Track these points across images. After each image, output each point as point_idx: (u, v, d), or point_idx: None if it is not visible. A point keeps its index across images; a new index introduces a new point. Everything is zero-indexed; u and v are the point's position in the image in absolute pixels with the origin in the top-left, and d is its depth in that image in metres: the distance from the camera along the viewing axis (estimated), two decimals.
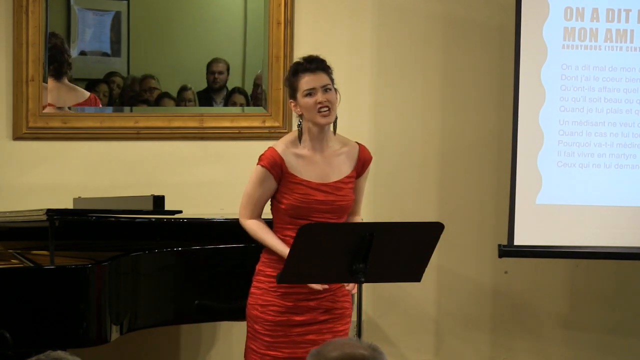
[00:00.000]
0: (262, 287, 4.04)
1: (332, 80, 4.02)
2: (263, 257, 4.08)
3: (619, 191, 5.35)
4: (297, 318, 4.02)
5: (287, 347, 4.01)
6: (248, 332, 4.11)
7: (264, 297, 4.03)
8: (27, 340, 4.13)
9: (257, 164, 4.02)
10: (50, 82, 5.47)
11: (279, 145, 4.03)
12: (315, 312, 4.03)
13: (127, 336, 4.54)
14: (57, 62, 5.48)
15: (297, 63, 4.04)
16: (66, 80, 5.52)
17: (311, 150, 4.03)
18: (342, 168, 4.06)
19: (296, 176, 3.98)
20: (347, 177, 4.06)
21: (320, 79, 3.98)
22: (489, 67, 5.80)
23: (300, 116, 4.03)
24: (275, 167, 3.97)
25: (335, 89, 4.02)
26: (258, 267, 4.10)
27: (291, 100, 4.03)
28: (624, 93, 5.34)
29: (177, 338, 5.67)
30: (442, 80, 5.81)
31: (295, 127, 4.12)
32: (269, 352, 4.02)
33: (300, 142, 4.02)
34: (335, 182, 4.03)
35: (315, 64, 4.00)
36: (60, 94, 5.51)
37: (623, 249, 5.35)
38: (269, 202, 4.10)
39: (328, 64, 4.04)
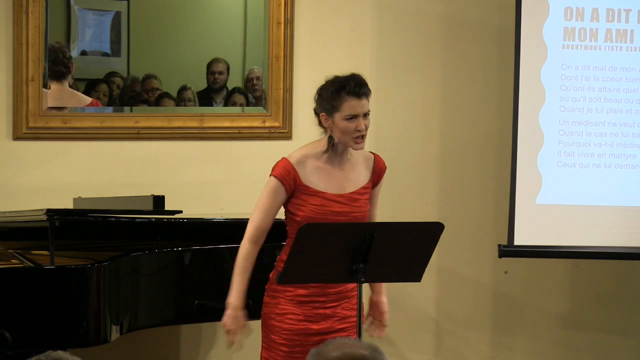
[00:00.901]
0: (278, 296, 3.98)
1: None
2: (278, 266, 4.01)
3: (619, 191, 5.35)
4: (315, 327, 3.98)
5: (304, 357, 3.96)
6: (263, 342, 4.04)
7: (281, 305, 3.98)
8: (27, 340, 4.13)
9: (270, 175, 3.96)
10: (53, 85, 5.47)
11: (294, 156, 3.96)
12: (331, 320, 4.00)
13: (127, 336, 4.54)
14: (57, 65, 5.48)
15: (344, 82, 3.92)
16: (67, 85, 5.52)
17: (329, 162, 3.97)
18: (358, 179, 4.02)
19: (311, 187, 3.93)
20: (363, 187, 4.02)
21: (364, 105, 3.91)
22: (489, 67, 5.80)
23: (323, 127, 3.96)
24: (287, 179, 3.91)
25: None
26: (273, 276, 4.04)
27: (323, 114, 3.93)
28: (624, 93, 5.34)
29: (177, 338, 5.67)
30: (442, 80, 5.81)
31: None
32: None
33: (327, 153, 3.95)
34: (351, 193, 3.98)
35: (364, 90, 3.91)
36: (61, 98, 5.51)
37: (623, 249, 5.36)
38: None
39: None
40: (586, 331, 5.94)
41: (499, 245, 5.35)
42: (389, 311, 4.18)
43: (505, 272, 5.89)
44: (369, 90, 3.96)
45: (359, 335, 3.86)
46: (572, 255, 5.52)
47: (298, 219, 3.93)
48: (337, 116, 3.90)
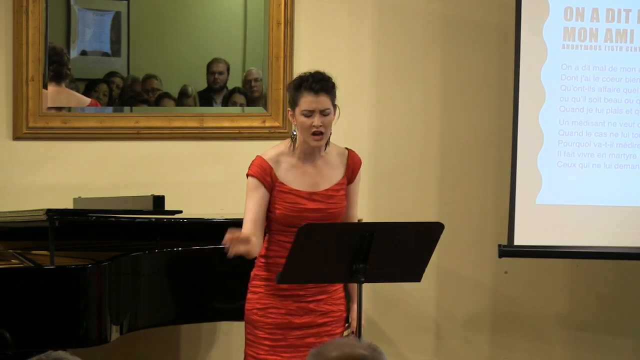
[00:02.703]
0: (259, 290, 4.03)
1: (334, 98, 3.96)
2: (258, 262, 4.07)
3: (619, 191, 5.35)
4: (297, 321, 4.01)
5: (287, 352, 4.00)
6: (247, 338, 4.08)
7: (262, 300, 4.02)
8: (27, 340, 4.13)
9: (247, 174, 4.01)
10: (51, 87, 5.47)
11: (269, 154, 4.01)
12: (313, 314, 4.02)
13: (127, 336, 4.54)
14: (56, 64, 5.48)
15: (303, 78, 3.96)
16: (64, 86, 5.52)
17: (302, 160, 4.01)
18: (332, 176, 4.05)
19: (285, 185, 3.97)
20: (338, 184, 4.04)
21: (321, 102, 3.92)
22: (489, 67, 5.80)
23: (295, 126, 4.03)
24: (264, 175, 3.96)
25: (335, 106, 3.97)
26: (253, 272, 4.08)
27: (289, 110, 4.00)
28: (624, 93, 5.34)
29: (177, 338, 5.67)
30: (442, 80, 5.81)
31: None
32: (269, 357, 4.00)
33: (293, 151, 4.01)
34: (326, 190, 4.01)
35: (320, 85, 3.92)
36: (60, 99, 5.50)
37: (623, 249, 5.35)
38: None
39: (333, 83, 3.96)
40: (586, 331, 5.94)
41: (499, 245, 5.35)
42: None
43: (505, 272, 5.89)
44: (330, 86, 3.95)
45: (359, 334, 3.87)
46: (572, 255, 5.52)
47: (273, 215, 3.98)
48: (297, 111, 3.95)
